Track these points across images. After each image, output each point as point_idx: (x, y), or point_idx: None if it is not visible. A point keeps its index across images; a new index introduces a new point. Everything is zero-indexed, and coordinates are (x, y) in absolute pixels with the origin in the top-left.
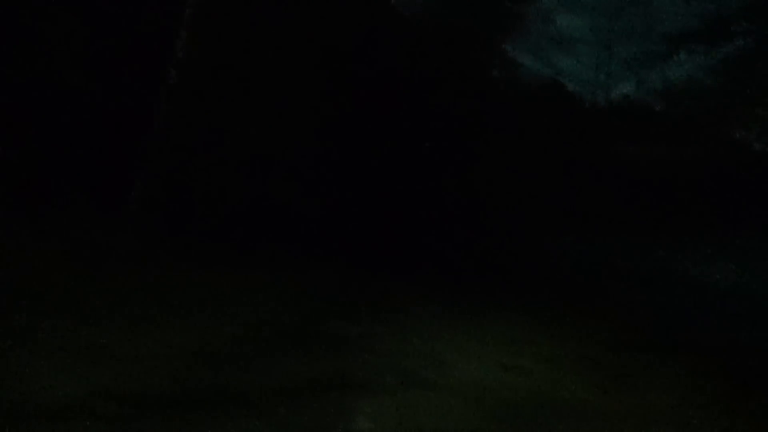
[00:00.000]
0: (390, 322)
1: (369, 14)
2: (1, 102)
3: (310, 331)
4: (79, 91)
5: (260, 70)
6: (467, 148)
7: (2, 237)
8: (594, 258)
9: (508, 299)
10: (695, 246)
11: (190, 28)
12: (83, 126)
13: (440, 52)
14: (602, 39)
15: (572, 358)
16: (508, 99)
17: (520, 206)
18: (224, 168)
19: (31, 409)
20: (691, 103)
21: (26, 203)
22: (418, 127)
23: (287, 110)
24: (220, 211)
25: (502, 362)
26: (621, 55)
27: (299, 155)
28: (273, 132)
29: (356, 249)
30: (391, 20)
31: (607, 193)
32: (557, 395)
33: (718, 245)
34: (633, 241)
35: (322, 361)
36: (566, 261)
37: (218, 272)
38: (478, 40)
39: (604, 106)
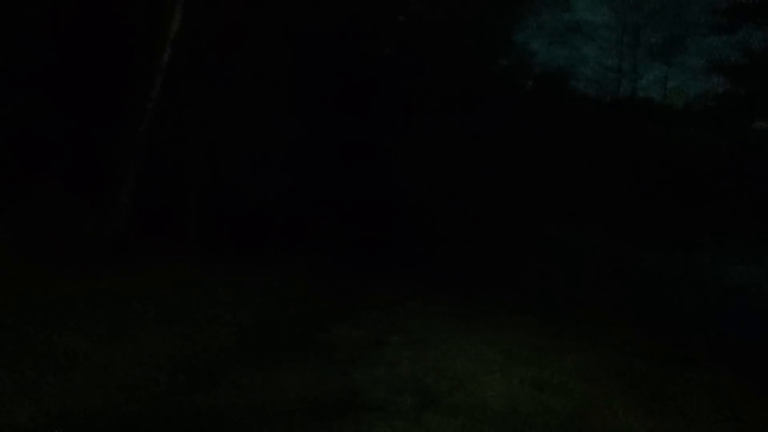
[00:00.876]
0: (400, 328)
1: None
2: None
3: (311, 338)
4: (63, 74)
5: (253, 60)
6: (470, 140)
7: None
8: (608, 257)
9: (521, 301)
10: (718, 245)
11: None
12: (66, 110)
13: (444, 38)
14: (627, 25)
15: (606, 371)
16: (517, 87)
17: (528, 201)
18: (217, 159)
19: None
20: (721, 96)
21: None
22: (419, 118)
23: (282, 103)
24: (212, 204)
25: (531, 378)
26: (648, 41)
27: (293, 149)
28: (266, 126)
29: (356, 247)
30: (394, 7)
31: (624, 189)
32: (600, 420)
33: (742, 245)
34: (652, 239)
35: (327, 375)
36: (579, 259)
37: (209, 269)
38: (486, 28)
39: (626, 96)
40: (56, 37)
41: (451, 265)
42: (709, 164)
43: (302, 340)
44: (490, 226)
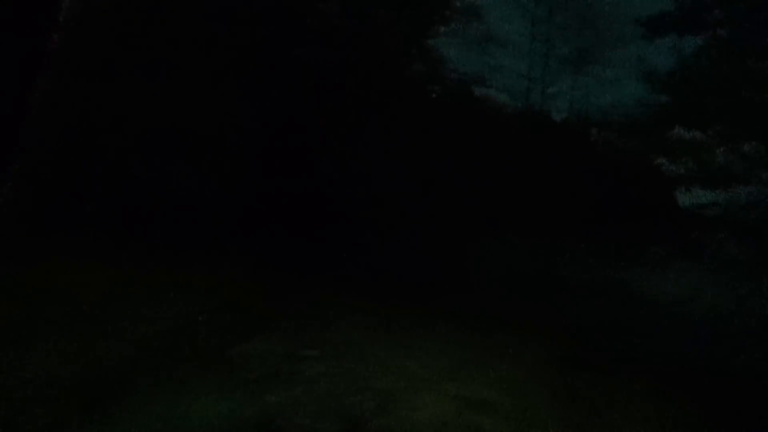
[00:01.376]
0: (321, 341)
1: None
2: None
3: (221, 353)
4: None
5: (166, 43)
6: (392, 143)
7: None
8: (524, 266)
9: (448, 311)
10: (630, 256)
11: None
12: None
13: (356, 43)
14: (539, 35)
15: (534, 384)
16: (429, 93)
17: (449, 209)
18: (120, 148)
19: None
20: (640, 104)
21: None
22: (345, 117)
23: (196, 92)
24: (117, 196)
25: (460, 394)
26: (559, 52)
27: (212, 139)
28: (179, 112)
29: (277, 246)
30: (307, 11)
31: (540, 196)
32: None
33: (653, 257)
34: (571, 250)
35: (239, 397)
36: (497, 268)
37: (112, 270)
38: (399, 34)
39: (536, 104)
40: None
41: (379, 271)
42: (625, 172)
43: (212, 355)
44: (420, 232)
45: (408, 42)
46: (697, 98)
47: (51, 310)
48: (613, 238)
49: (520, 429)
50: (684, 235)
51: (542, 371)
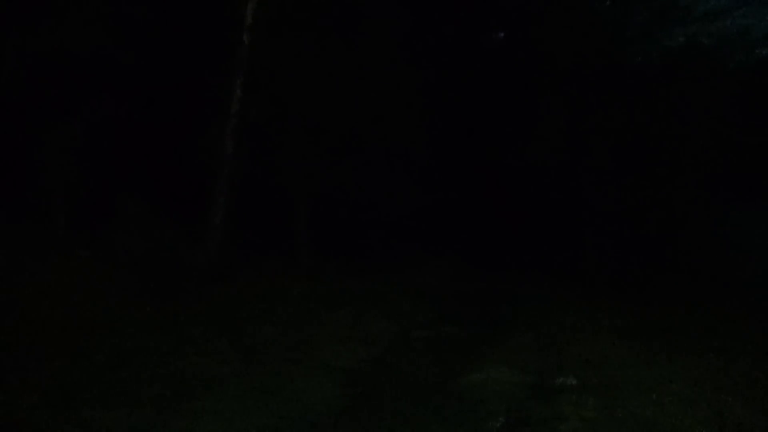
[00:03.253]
0: (570, 360)
1: None
2: None
3: (441, 387)
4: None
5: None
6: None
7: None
8: None
9: (701, 314)
10: None
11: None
12: (149, 120)
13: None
14: None
15: None
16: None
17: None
18: (327, 164)
19: None
20: None
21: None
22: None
23: (392, 101)
24: (321, 213)
25: None
26: None
27: (419, 153)
28: (373, 124)
29: (482, 250)
30: None
31: None
32: None
33: None
34: None
35: None
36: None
37: (314, 293)
38: None
39: None
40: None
41: (601, 269)
42: None
43: (431, 391)
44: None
45: None
46: None
47: (253, 343)
48: None
49: None
50: None
51: None
